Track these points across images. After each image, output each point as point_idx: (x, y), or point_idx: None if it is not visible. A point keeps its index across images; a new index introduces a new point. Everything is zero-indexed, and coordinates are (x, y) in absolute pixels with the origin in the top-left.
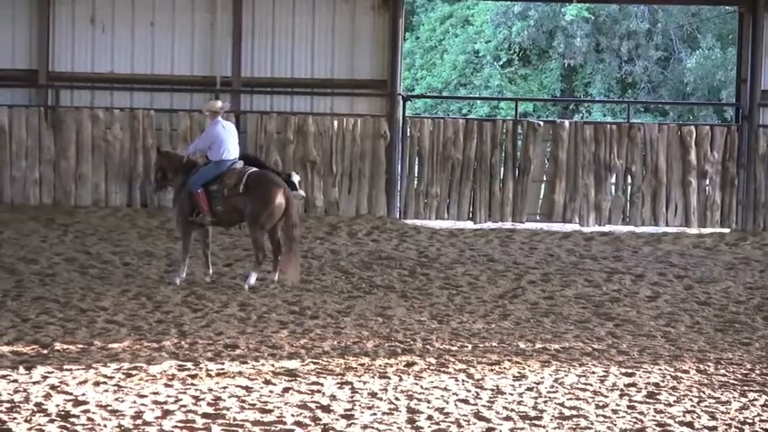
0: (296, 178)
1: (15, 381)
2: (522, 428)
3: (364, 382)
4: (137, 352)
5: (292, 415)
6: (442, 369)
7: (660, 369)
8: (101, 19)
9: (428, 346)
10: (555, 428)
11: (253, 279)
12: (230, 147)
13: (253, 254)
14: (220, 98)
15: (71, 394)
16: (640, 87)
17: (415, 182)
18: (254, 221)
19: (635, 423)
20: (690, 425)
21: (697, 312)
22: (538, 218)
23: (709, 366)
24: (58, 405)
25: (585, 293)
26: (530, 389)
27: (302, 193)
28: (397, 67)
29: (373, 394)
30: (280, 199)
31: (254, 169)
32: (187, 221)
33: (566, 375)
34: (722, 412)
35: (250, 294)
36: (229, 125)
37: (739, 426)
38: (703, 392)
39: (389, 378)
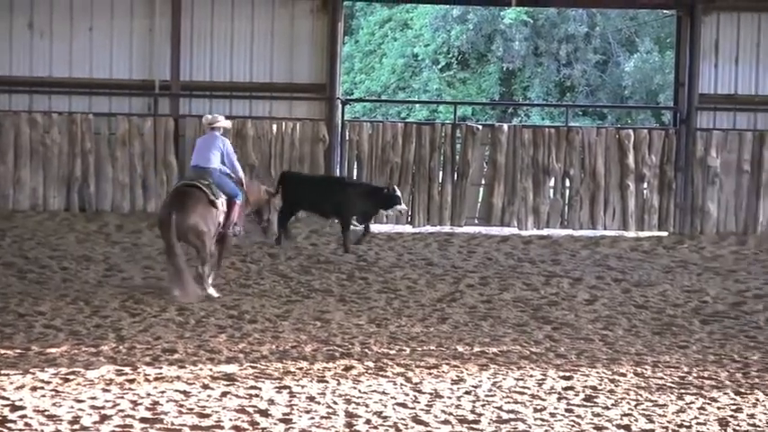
0: (398, 192)
1: None
2: None
3: (302, 387)
4: (74, 357)
5: (230, 419)
6: (381, 373)
7: (598, 372)
8: (39, 24)
9: (366, 350)
10: None
11: (208, 288)
12: (197, 157)
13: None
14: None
15: (8, 399)
16: (579, 91)
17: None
18: None
19: (572, 426)
20: (627, 428)
21: (634, 315)
22: (476, 221)
23: (646, 369)
24: None
25: (524, 297)
26: (468, 392)
27: (404, 207)
28: (335, 71)
29: (311, 398)
30: (162, 214)
31: (183, 182)
32: None
33: (504, 379)
34: (659, 415)
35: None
36: (213, 138)
37: (676, 428)
38: (640, 395)
39: (327, 382)
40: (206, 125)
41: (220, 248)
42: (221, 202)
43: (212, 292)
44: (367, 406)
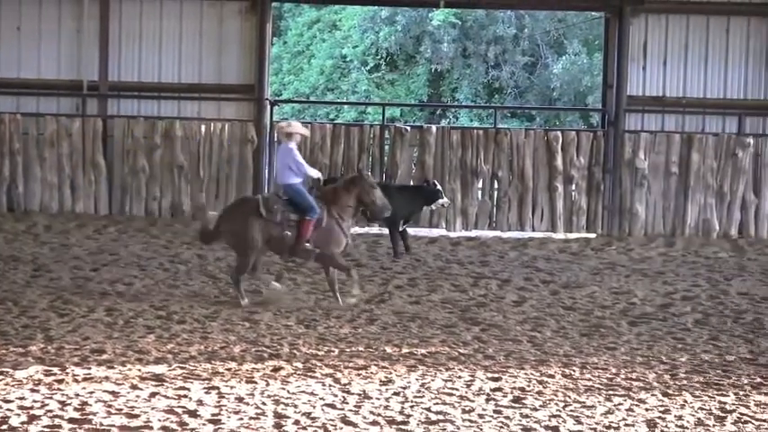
0: (438, 186)
1: None
2: None
3: (231, 387)
4: (2, 357)
5: (159, 420)
6: (309, 374)
7: (526, 374)
8: None
9: (295, 351)
10: None
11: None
12: (275, 172)
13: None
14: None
15: None
16: (507, 92)
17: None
18: None
19: (501, 428)
20: (555, 429)
21: (563, 317)
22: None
23: (574, 371)
24: None
25: (452, 298)
26: (396, 393)
27: (446, 200)
28: (264, 72)
29: (240, 399)
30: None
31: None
32: None
33: (432, 380)
34: (587, 416)
35: (116, 299)
36: (285, 150)
37: (604, 430)
38: (569, 397)
39: (256, 383)
40: (281, 134)
41: (324, 264)
42: (281, 216)
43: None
44: (296, 407)
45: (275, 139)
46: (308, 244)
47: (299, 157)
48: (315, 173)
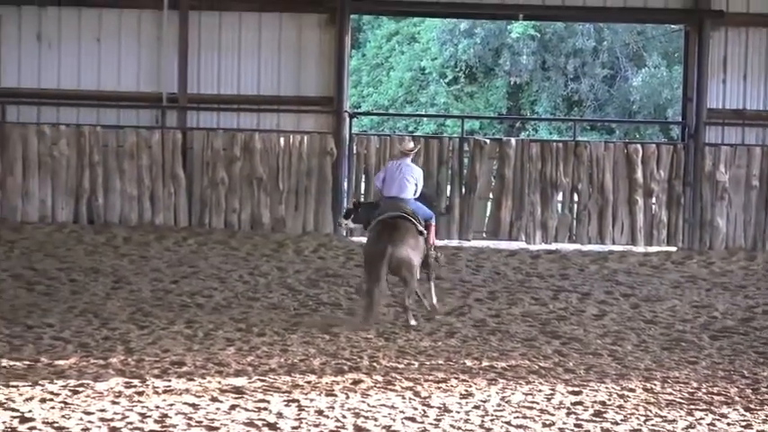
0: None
1: None
2: None
3: (311, 400)
4: (83, 369)
5: None
6: (389, 387)
7: (607, 387)
8: (47, 35)
9: (375, 364)
10: None
11: (410, 318)
12: (388, 185)
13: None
14: (409, 140)
15: (17, 411)
16: (586, 105)
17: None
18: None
19: None
20: None
21: (643, 331)
22: (484, 235)
23: (655, 385)
24: (4, 422)
25: (532, 311)
26: (476, 407)
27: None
28: (343, 84)
29: (320, 412)
30: (377, 250)
31: (395, 214)
32: None
33: (512, 393)
34: (668, 431)
35: (196, 312)
36: (407, 167)
37: None
38: (650, 411)
39: (336, 396)
40: (402, 150)
41: (427, 273)
42: (423, 229)
43: (413, 321)
44: (376, 420)
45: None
46: (434, 251)
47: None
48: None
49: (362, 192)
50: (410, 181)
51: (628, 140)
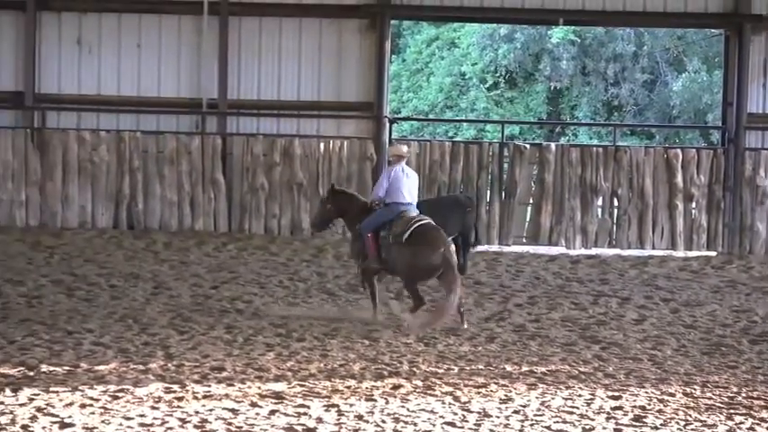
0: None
1: (1, 403)
2: None
3: (351, 405)
4: (123, 374)
5: None
6: (429, 392)
7: (646, 392)
8: (87, 40)
9: (414, 369)
10: None
11: (407, 322)
12: (406, 190)
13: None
14: (396, 145)
15: (57, 416)
16: (626, 110)
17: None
18: (404, 275)
19: None
20: None
21: (683, 335)
22: (524, 240)
23: (695, 389)
24: (44, 427)
25: (572, 316)
26: (516, 412)
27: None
28: (383, 90)
29: (360, 417)
30: (436, 258)
31: (425, 221)
32: (362, 266)
33: (552, 398)
34: None
35: (236, 317)
36: (411, 172)
37: None
38: (690, 415)
39: (376, 401)
40: (398, 155)
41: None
42: None
43: (465, 324)
44: (415, 425)
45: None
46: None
47: (385, 175)
48: None
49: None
50: (416, 187)
51: (668, 145)
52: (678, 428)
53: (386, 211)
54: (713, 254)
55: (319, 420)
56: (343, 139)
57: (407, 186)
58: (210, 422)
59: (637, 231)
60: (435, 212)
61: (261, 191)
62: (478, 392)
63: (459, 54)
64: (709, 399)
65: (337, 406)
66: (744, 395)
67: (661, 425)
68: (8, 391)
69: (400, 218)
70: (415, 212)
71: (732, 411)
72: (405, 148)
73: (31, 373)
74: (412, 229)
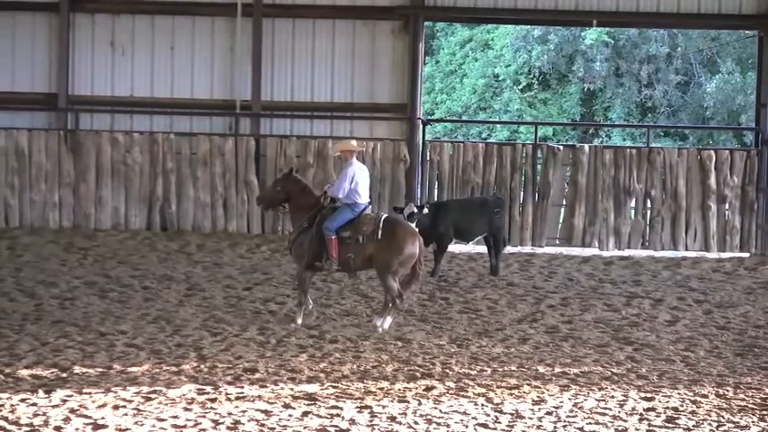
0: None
1: (35, 404)
2: None
3: (383, 407)
4: (156, 376)
5: None
6: (462, 393)
7: (679, 393)
8: (121, 42)
9: (447, 371)
10: None
11: (387, 323)
12: (363, 190)
13: (387, 299)
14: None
15: (90, 418)
16: (660, 111)
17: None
18: (386, 269)
19: None
20: None
21: (716, 337)
22: (557, 242)
23: (728, 391)
24: (77, 429)
25: (605, 318)
26: (549, 413)
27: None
28: (416, 91)
29: (392, 418)
30: (414, 248)
31: (386, 215)
32: (308, 264)
33: (585, 400)
34: None
35: (269, 318)
36: (362, 167)
37: None
38: (722, 417)
39: (409, 402)
40: (348, 150)
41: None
42: None
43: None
44: (448, 426)
45: (359, 158)
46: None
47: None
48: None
49: (435, 198)
50: (368, 183)
51: (701, 147)
52: (711, 430)
53: (348, 211)
54: (746, 255)
55: (352, 422)
56: (376, 141)
57: (364, 187)
58: (243, 423)
59: (670, 233)
60: (463, 213)
61: None
62: (511, 394)
63: (492, 55)
64: (742, 400)
65: (370, 407)
66: None
67: (694, 426)
68: (41, 393)
69: (364, 216)
70: (370, 208)
71: (765, 413)
72: (354, 142)
73: (65, 375)
74: (382, 224)
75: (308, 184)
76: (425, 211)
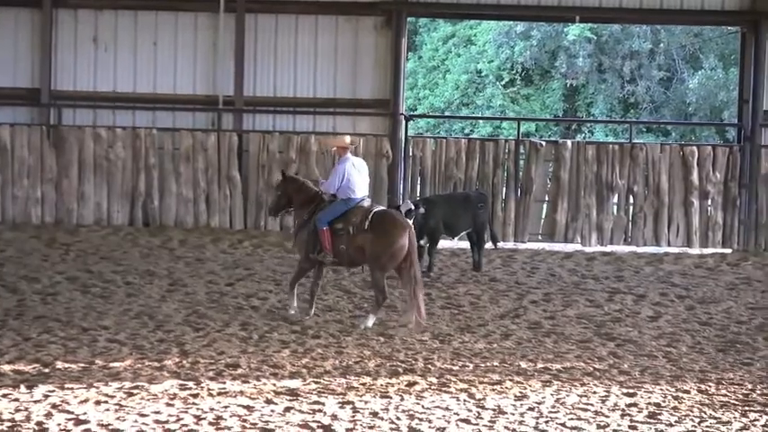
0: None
1: (16, 400)
2: None
3: (366, 402)
4: (138, 371)
5: None
6: (444, 389)
7: (661, 389)
8: (103, 38)
9: (429, 366)
10: None
11: (370, 321)
12: (358, 185)
13: (373, 295)
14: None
15: (72, 413)
16: (642, 107)
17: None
18: (376, 261)
19: None
20: None
21: (698, 332)
22: (540, 238)
23: (710, 386)
24: (59, 424)
25: (587, 313)
26: (531, 409)
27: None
28: (399, 87)
29: (374, 414)
30: (403, 240)
31: (381, 208)
32: (308, 257)
33: (567, 395)
34: None
35: (251, 314)
36: (359, 162)
37: None
38: (704, 412)
39: (391, 398)
40: (349, 147)
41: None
42: None
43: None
44: (430, 422)
45: (352, 153)
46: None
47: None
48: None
49: (418, 194)
50: (367, 178)
51: (684, 142)
52: (693, 425)
53: (341, 203)
54: (729, 251)
55: (334, 417)
56: (359, 137)
57: (359, 183)
58: (225, 419)
59: (652, 228)
60: (446, 208)
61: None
62: (493, 389)
63: (475, 51)
64: (724, 396)
65: (352, 403)
66: (758, 392)
67: (676, 422)
68: (23, 388)
69: (357, 208)
70: (368, 202)
71: (747, 408)
72: (348, 139)
73: (47, 370)
74: (372, 216)
75: (305, 181)
76: (422, 210)
